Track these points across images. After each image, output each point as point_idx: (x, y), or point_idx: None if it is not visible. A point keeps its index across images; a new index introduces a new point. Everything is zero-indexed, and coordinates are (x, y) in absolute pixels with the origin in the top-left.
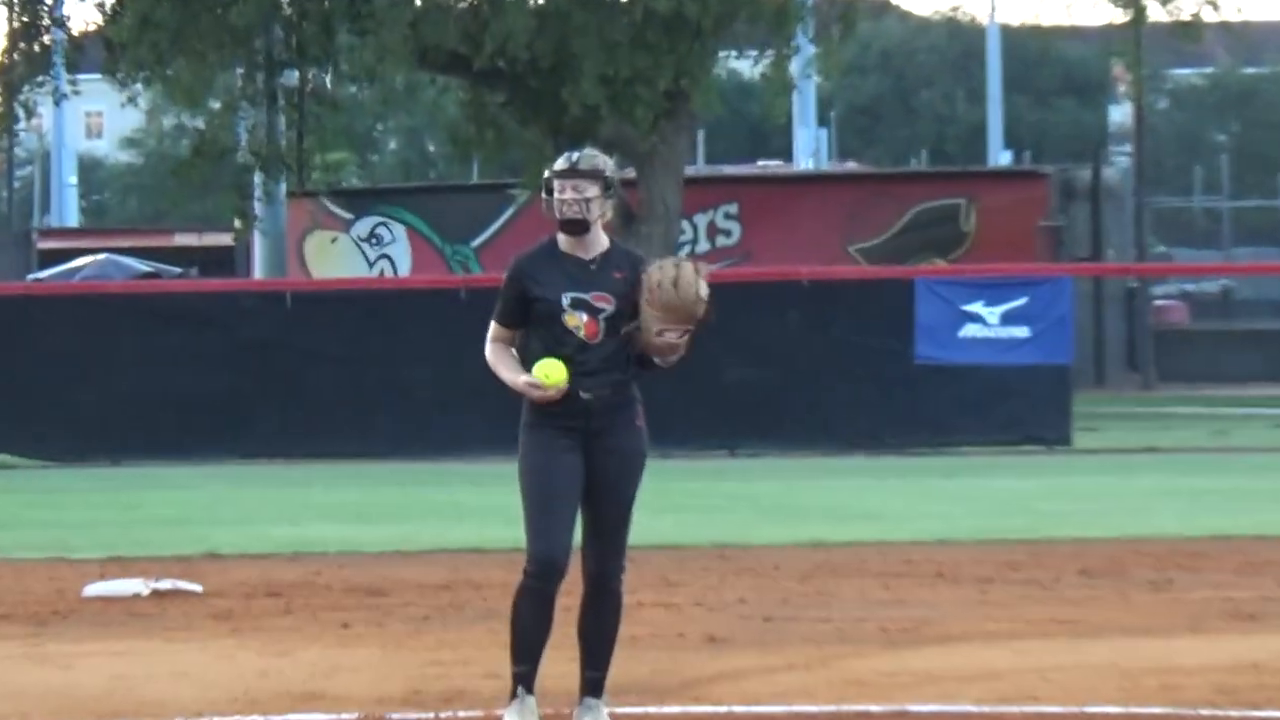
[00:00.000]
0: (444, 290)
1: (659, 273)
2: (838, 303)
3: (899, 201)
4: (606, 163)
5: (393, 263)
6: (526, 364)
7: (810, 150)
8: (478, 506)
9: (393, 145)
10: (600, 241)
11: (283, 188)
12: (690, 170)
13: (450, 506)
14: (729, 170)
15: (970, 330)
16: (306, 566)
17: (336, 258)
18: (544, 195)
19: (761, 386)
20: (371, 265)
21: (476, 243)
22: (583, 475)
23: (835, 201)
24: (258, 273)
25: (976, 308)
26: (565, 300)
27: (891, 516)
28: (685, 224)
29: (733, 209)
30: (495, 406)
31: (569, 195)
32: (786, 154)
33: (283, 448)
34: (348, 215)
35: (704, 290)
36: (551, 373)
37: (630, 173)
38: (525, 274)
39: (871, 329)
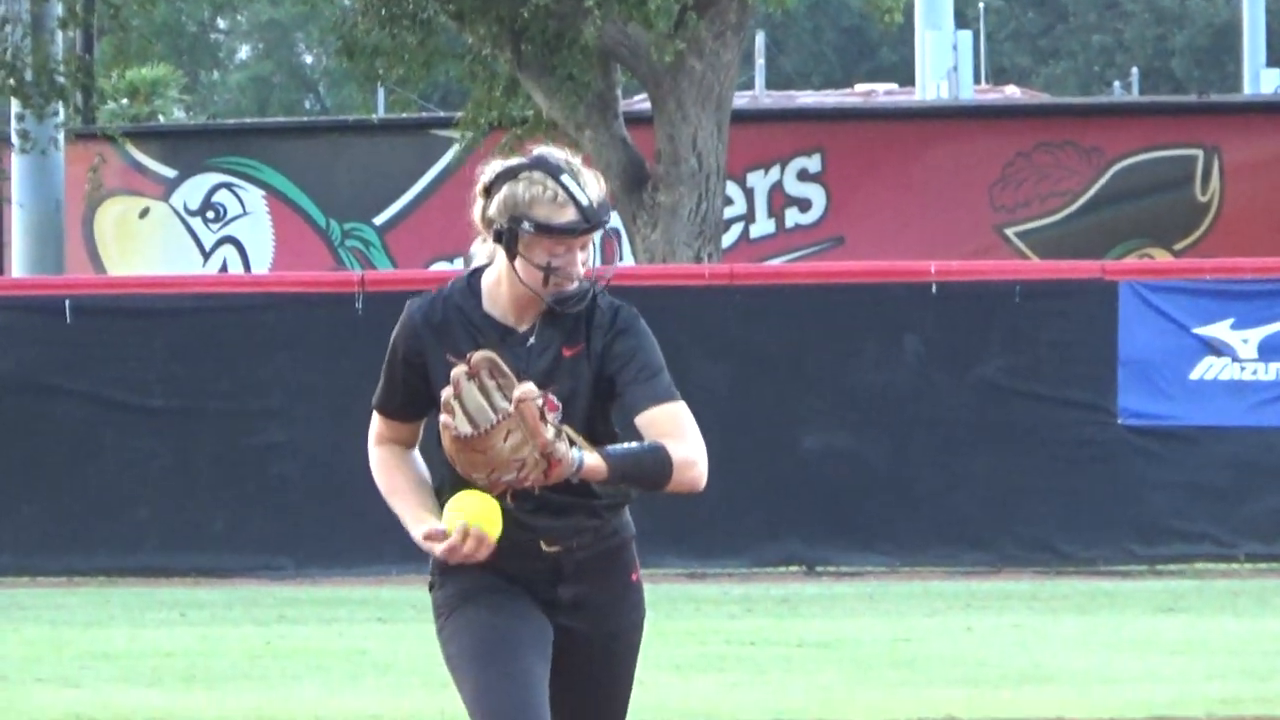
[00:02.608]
0: (328, 297)
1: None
2: (987, 321)
3: (1090, 154)
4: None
5: (242, 250)
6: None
7: (944, 67)
8: (386, 658)
9: (243, 55)
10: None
11: (55, 125)
12: (742, 100)
13: (340, 657)
14: (807, 101)
15: (1210, 369)
16: None
17: (148, 241)
18: (496, 240)
19: (859, 462)
20: (208, 254)
21: (382, 219)
22: (550, 634)
23: (984, 153)
24: (15, 267)
25: (1220, 331)
26: None
27: (1074, 678)
28: (733, 189)
29: (813, 164)
30: None
31: (564, 258)
32: (903, 74)
33: (52, 556)
34: (168, 172)
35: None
36: (469, 514)
37: (641, 102)
38: (424, 342)
39: (1043, 366)
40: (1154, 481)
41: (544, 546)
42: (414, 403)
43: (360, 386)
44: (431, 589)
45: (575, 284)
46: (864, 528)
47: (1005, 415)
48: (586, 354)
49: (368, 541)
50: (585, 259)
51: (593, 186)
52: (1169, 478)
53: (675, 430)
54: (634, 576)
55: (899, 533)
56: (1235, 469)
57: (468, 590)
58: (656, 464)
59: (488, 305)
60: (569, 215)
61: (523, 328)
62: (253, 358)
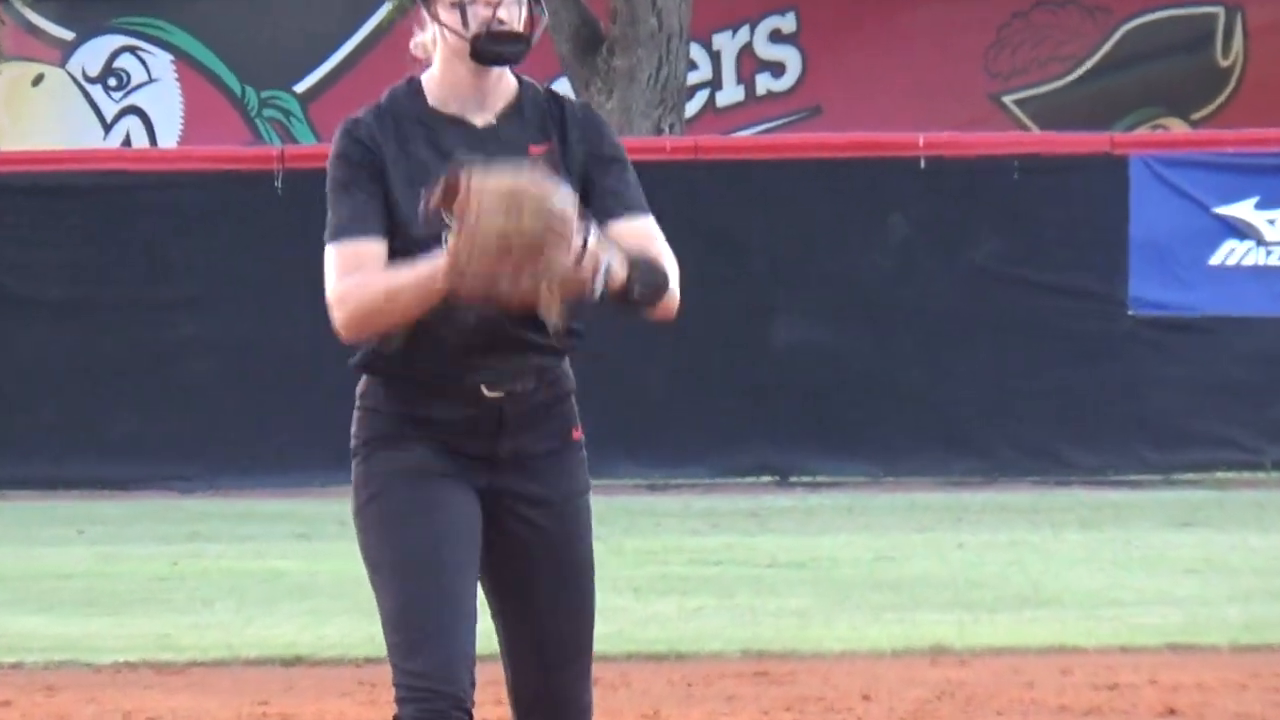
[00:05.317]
0: (244, 174)
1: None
2: (982, 200)
3: (1096, 13)
4: None
5: (148, 121)
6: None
7: None
8: (305, 579)
9: None
10: (502, 86)
11: None
12: None
13: (256, 579)
14: None
15: (1231, 253)
16: None
17: (42, 112)
18: (421, 2)
19: (837, 359)
20: (109, 127)
21: (304, 86)
22: (480, 533)
23: (977, 12)
24: None
25: (1243, 211)
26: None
27: (1078, 600)
28: (698, 52)
29: (787, 23)
30: (342, 389)
31: None
32: None
33: None
34: (65, 34)
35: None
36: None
37: None
38: (381, 148)
39: (1044, 250)
40: (1169, 380)
41: (485, 391)
42: (379, 216)
43: (280, 274)
44: (354, 456)
45: (503, 20)
46: (843, 432)
47: (1001, 305)
48: (562, 151)
49: (288, 450)
50: (518, 5)
51: None
52: (1186, 375)
53: (652, 245)
54: (575, 434)
55: (882, 438)
56: (1261, 365)
57: (394, 472)
58: (659, 272)
59: (435, 103)
60: None
61: (480, 123)
62: (160, 243)
